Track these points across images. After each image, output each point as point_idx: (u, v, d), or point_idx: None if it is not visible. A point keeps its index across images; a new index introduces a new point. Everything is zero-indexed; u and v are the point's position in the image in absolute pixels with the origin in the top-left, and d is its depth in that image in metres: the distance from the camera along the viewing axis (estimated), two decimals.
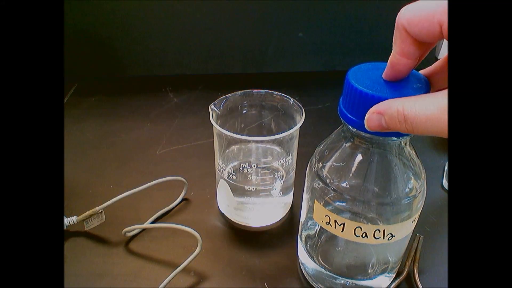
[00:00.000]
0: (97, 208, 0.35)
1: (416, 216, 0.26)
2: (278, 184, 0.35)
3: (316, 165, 0.27)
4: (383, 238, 0.26)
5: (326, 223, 0.26)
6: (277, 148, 0.36)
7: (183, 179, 0.39)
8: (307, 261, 0.31)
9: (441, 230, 0.37)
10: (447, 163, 0.37)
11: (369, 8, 0.62)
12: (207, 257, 0.34)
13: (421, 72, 0.25)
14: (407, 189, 0.25)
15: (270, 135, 0.32)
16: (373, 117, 0.22)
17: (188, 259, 0.32)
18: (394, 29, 0.23)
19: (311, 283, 0.32)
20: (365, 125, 0.22)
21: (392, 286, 0.31)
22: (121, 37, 0.61)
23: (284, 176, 0.36)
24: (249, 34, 0.63)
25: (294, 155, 0.35)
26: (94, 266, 0.33)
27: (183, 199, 0.40)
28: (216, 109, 0.34)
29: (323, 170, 0.26)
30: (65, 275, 0.31)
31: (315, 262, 0.31)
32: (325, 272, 0.30)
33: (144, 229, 0.37)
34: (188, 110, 0.56)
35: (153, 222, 0.37)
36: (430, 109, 0.20)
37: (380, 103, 0.22)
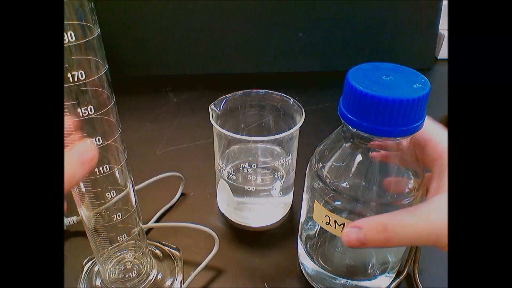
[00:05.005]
0: None
1: None
2: (278, 184, 0.35)
3: (316, 165, 0.27)
4: None
5: (326, 223, 0.26)
6: (277, 148, 0.36)
7: (180, 175, 0.40)
8: (307, 261, 0.31)
9: None
10: None
11: (368, 8, 0.62)
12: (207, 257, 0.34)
13: None
14: (407, 189, 0.25)
15: (270, 135, 0.32)
16: (351, 231, 0.22)
17: (207, 258, 0.32)
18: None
19: (311, 283, 0.32)
20: (343, 241, 0.23)
21: (392, 286, 0.31)
22: (121, 37, 0.61)
23: (284, 176, 0.36)
24: (249, 34, 0.63)
25: (294, 155, 0.35)
26: (94, 266, 0.33)
27: (182, 194, 0.40)
28: (216, 109, 0.34)
29: (323, 170, 0.26)
30: (65, 275, 0.31)
31: (315, 262, 0.30)
32: (325, 272, 0.30)
33: (149, 228, 0.37)
34: (188, 110, 0.56)
35: (156, 221, 0.37)
36: (411, 221, 0.21)
37: (357, 220, 0.23)
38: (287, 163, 0.35)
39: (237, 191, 0.35)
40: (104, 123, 0.22)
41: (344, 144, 0.26)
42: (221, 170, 0.36)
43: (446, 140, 0.25)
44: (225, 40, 0.63)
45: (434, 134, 0.25)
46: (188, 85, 0.62)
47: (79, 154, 0.19)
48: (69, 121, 0.20)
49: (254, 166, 0.35)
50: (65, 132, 0.20)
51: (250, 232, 0.37)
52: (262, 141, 0.37)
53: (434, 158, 0.25)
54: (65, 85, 0.19)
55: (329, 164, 0.26)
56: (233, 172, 0.35)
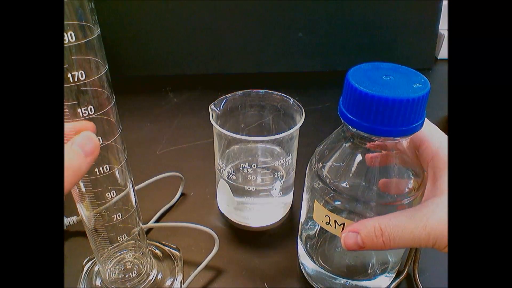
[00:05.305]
0: None
1: None
2: (278, 184, 0.35)
3: (316, 165, 0.27)
4: None
5: (326, 223, 0.26)
6: (277, 148, 0.36)
7: (180, 175, 0.40)
8: (307, 261, 0.31)
9: None
10: None
11: (368, 8, 0.62)
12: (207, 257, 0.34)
13: None
14: (407, 189, 0.25)
15: (270, 135, 0.32)
16: (349, 235, 0.23)
17: (207, 258, 0.32)
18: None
19: (311, 283, 0.32)
20: (342, 245, 0.23)
21: (392, 286, 0.31)
22: (121, 37, 0.61)
23: (284, 176, 0.36)
24: (249, 34, 0.63)
25: (294, 155, 0.35)
26: (94, 266, 0.33)
27: (182, 194, 0.40)
28: (216, 109, 0.34)
29: (323, 170, 0.26)
30: (65, 275, 0.31)
31: (315, 262, 0.30)
32: (325, 272, 0.30)
33: (149, 228, 0.37)
34: (188, 110, 0.56)
35: (156, 221, 0.38)
36: (408, 224, 0.22)
37: (355, 223, 0.23)
38: (287, 163, 0.35)
39: (237, 191, 0.35)
40: (104, 123, 0.22)
41: (344, 144, 0.26)
42: (221, 170, 0.36)
43: (439, 141, 0.25)
44: (225, 40, 0.63)
45: (429, 135, 0.25)
46: (188, 85, 0.62)
47: (81, 145, 0.19)
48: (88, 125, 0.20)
49: (254, 166, 0.35)
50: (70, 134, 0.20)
51: (250, 232, 0.37)
52: (262, 141, 0.37)
53: (427, 160, 0.25)
54: (65, 85, 0.19)
55: (329, 164, 0.26)
56: (233, 172, 0.35)
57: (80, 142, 0.19)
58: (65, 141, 0.20)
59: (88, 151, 0.19)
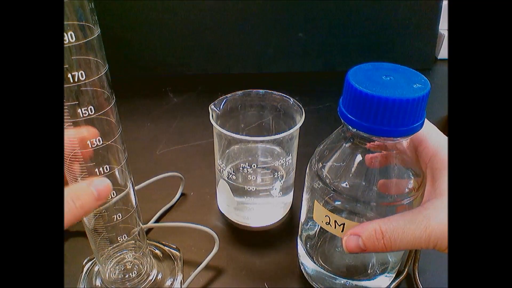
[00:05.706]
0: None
1: None
2: (278, 184, 0.35)
3: (316, 165, 0.27)
4: None
5: (326, 223, 0.26)
6: (277, 148, 0.36)
7: (180, 175, 0.40)
8: (307, 261, 0.31)
9: None
10: None
11: (368, 8, 0.62)
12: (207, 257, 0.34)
13: None
14: (407, 189, 0.25)
15: (270, 135, 0.32)
16: (350, 238, 0.23)
17: (207, 258, 0.32)
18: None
19: (311, 283, 0.32)
20: (344, 248, 0.23)
21: (392, 286, 0.31)
22: (121, 37, 0.61)
23: (284, 176, 0.36)
24: (249, 34, 0.63)
25: (294, 155, 0.35)
26: (94, 266, 0.33)
27: (182, 194, 0.40)
28: (216, 109, 0.34)
29: (323, 170, 0.26)
30: (65, 275, 0.31)
31: (315, 262, 0.31)
32: (325, 272, 0.30)
33: (149, 228, 0.37)
34: (188, 110, 0.56)
35: (156, 221, 0.38)
36: (409, 227, 0.22)
37: (356, 226, 0.23)
38: (287, 163, 0.35)
39: (237, 191, 0.35)
40: (104, 124, 0.22)
41: (344, 144, 0.26)
42: (221, 170, 0.36)
43: (437, 141, 0.25)
44: (225, 40, 0.63)
45: (427, 135, 0.25)
46: (188, 85, 0.62)
47: (98, 190, 0.21)
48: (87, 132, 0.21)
49: (254, 166, 0.35)
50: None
51: (250, 232, 0.37)
52: (262, 141, 0.37)
53: (426, 160, 0.25)
54: (65, 85, 0.19)
55: (329, 164, 0.26)
56: (233, 172, 0.35)
57: (97, 185, 0.21)
58: (65, 141, 0.20)
59: (101, 196, 0.21)
